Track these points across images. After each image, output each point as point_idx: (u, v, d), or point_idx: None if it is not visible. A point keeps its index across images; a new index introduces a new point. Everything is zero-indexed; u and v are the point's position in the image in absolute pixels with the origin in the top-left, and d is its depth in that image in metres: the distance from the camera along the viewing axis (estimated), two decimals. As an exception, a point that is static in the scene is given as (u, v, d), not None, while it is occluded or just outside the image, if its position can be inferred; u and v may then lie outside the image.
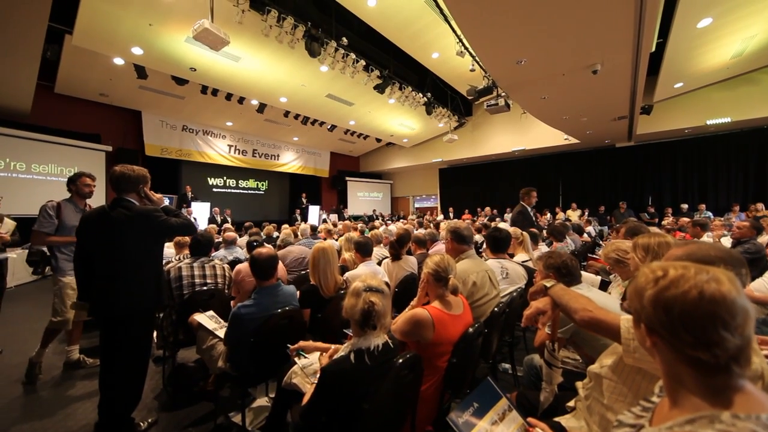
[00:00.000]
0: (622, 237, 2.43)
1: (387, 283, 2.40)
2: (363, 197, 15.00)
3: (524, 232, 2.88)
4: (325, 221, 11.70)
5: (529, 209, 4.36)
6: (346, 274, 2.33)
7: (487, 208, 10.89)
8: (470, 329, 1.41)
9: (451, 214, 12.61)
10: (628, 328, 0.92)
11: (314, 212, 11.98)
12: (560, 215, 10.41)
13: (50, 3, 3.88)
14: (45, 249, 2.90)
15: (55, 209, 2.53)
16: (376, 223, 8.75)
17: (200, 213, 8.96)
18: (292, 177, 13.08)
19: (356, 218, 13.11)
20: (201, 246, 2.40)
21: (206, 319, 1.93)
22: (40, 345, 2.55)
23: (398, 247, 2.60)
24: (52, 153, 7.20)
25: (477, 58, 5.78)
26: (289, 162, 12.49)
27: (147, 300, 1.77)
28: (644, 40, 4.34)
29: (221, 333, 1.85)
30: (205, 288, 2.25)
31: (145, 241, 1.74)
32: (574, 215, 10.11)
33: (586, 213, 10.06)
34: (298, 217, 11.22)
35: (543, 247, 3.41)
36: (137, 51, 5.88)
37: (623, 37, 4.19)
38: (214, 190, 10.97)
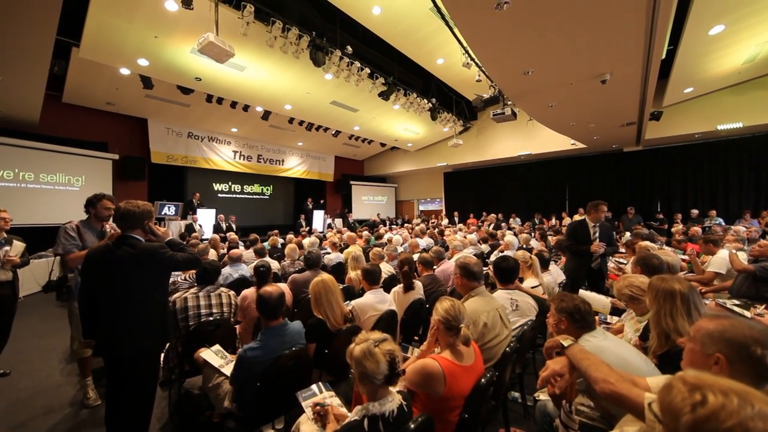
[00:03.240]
0: (633, 265, 2.36)
1: (394, 311, 2.38)
2: (367, 201, 14.97)
3: (533, 256, 2.81)
4: (330, 226, 11.69)
5: (591, 226, 3.53)
6: (353, 304, 2.29)
7: (492, 215, 10.77)
8: (482, 380, 1.37)
9: (456, 219, 12.53)
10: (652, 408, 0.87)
11: (319, 217, 11.98)
12: (567, 220, 10.29)
13: (58, 17, 3.90)
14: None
15: (76, 230, 2.48)
16: (382, 230, 8.72)
17: (205, 219, 8.99)
18: (297, 181, 13.09)
19: (361, 222, 13.11)
20: (208, 275, 2.37)
21: (212, 355, 1.91)
22: (82, 376, 2.58)
23: (410, 275, 2.56)
24: (60, 162, 7.26)
25: (483, 69, 5.71)
26: (294, 167, 12.50)
27: (153, 339, 1.75)
28: (655, 50, 4.26)
29: (227, 369, 1.82)
30: (211, 318, 2.23)
31: (151, 279, 1.72)
32: (581, 221, 9.99)
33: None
34: (303, 222, 11.23)
35: (551, 266, 3.34)
36: (143, 62, 5.90)
37: (633, 47, 4.11)
38: (220, 195, 11.01)
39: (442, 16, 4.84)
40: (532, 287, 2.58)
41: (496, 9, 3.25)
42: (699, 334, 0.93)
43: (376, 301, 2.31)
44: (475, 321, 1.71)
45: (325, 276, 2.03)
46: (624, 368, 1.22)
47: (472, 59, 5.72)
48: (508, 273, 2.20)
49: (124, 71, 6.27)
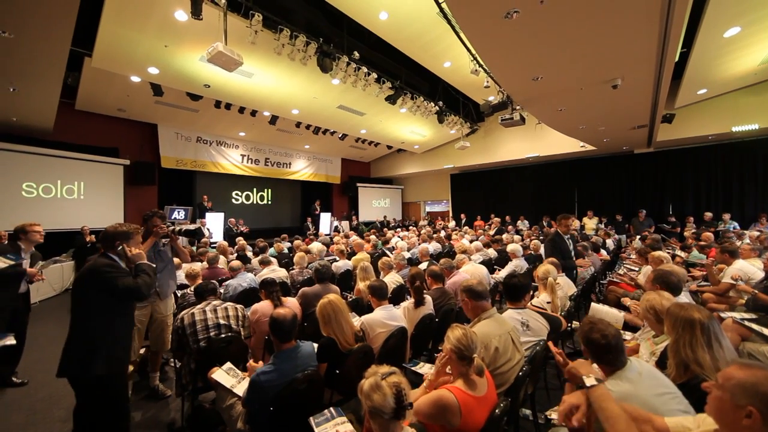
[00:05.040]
0: (650, 283, 2.31)
1: (404, 329, 2.37)
2: (374, 203, 14.99)
3: (550, 278, 2.75)
4: (336, 229, 11.74)
5: (566, 238, 3.90)
6: (362, 320, 2.29)
7: (497, 219, 10.66)
8: (497, 411, 1.36)
9: (463, 221, 12.48)
10: None
11: (326, 219, 12.02)
12: (576, 223, 10.16)
13: (72, 31, 3.97)
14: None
15: None
16: (389, 234, 8.71)
17: (215, 224, 9.07)
18: (304, 184, 13.16)
19: (367, 225, 13.14)
20: (207, 291, 2.44)
21: (224, 375, 1.92)
22: (151, 370, 2.76)
23: (422, 290, 2.55)
24: (72, 168, 7.40)
25: (492, 75, 5.67)
26: (301, 169, 12.56)
27: (100, 364, 1.66)
28: (668, 54, 4.18)
29: (240, 389, 1.84)
30: (222, 335, 2.26)
31: (96, 298, 1.68)
32: (590, 224, 9.86)
33: (603, 222, 9.78)
34: (310, 225, 11.29)
35: (561, 278, 3.30)
36: (153, 70, 5.98)
37: (646, 52, 4.03)
38: (227, 199, 11.12)
39: (449, 23, 4.81)
40: (547, 303, 2.55)
41: (506, 18, 3.23)
42: (729, 383, 0.90)
43: (385, 317, 2.31)
44: (486, 345, 1.69)
45: (332, 296, 2.02)
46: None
47: (481, 66, 5.68)
48: (516, 291, 2.15)
49: (135, 79, 6.37)
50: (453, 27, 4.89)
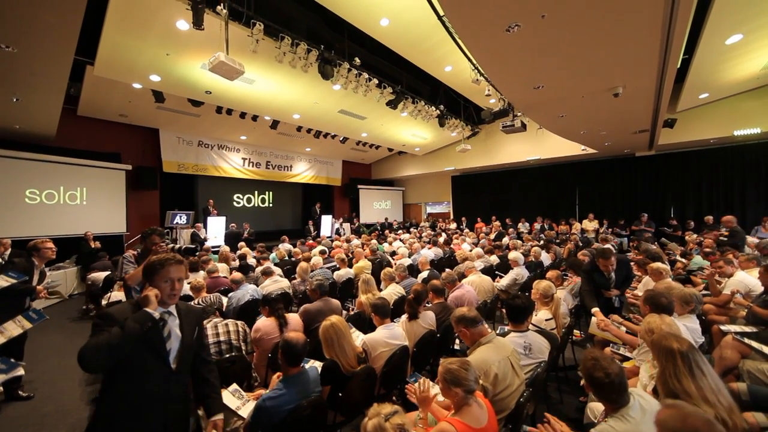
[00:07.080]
0: (643, 303, 2.31)
1: (407, 347, 2.39)
2: (375, 205, 15.00)
3: (556, 294, 2.74)
4: (338, 232, 11.77)
5: (607, 276, 3.26)
6: (364, 339, 2.31)
7: (497, 223, 10.64)
8: (497, 442, 1.38)
9: (464, 224, 12.50)
10: None
11: (327, 221, 12.05)
12: (577, 226, 10.16)
13: (75, 44, 3.98)
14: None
15: (135, 258, 2.67)
16: (390, 237, 8.73)
17: (217, 228, 9.08)
18: (305, 186, 13.18)
19: (368, 226, 13.18)
20: (206, 313, 2.47)
21: (229, 396, 1.94)
22: None
23: (416, 305, 2.56)
24: (75, 174, 7.42)
25: (493, 84, 5.66)
26: (302, 172, 12.58)
27: None
28: (669, 63, 4.18)
29: (244, 411, 1.86)
30: (223, 351, 2.30)
31: None
32: (590, 226, 9.86)
33: (606, 224, 9.76)
34: (311, 228, 11.31)
35: (559, 291, 3.31)
36: (155, 78, 6.00)
37: (647, 62, 4.03)
38: (229, 202, 11.14)
39: (450, 33, 4.82)
40: (546, 320, 2.57)
41: (507, 32, 3.23)
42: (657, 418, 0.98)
43: (387, 337, 2.32)
44: (486, 372, 1.70)
45: (334, 319, 2.04)
46: None
47: (482, 74, 5.68)
48: (519, 313, 2.14)
49: (137, 85, 6.38)
50: (453, 37, 4.90)
